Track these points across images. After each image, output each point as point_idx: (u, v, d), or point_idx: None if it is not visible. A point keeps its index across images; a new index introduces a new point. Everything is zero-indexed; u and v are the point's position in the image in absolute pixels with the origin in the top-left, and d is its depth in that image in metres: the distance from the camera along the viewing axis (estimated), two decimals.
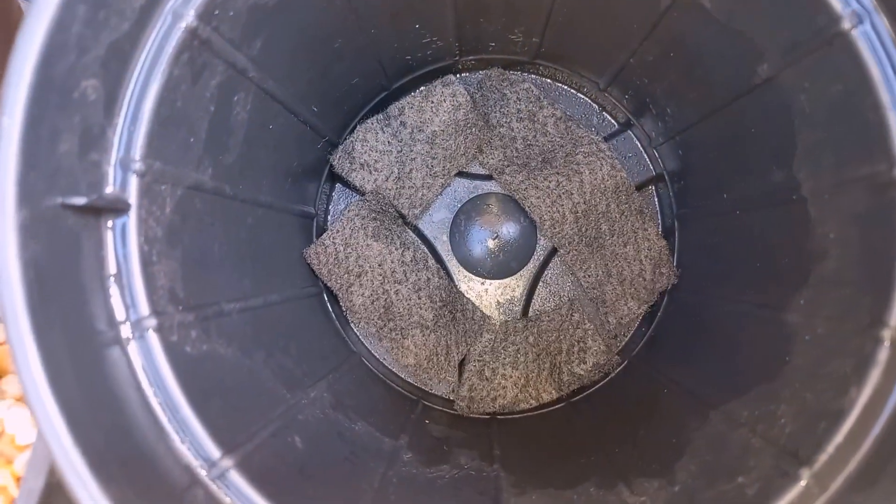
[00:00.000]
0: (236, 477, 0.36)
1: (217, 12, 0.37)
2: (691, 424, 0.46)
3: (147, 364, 0.35)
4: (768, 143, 0.44)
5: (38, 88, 0.30)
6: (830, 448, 0.35)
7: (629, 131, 0.63)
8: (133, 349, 0.35)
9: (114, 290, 0.35)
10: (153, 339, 0.36)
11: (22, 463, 0.48)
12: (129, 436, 0.34)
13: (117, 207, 0.35)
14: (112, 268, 0.35)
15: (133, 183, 0.35)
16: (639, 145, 0.63)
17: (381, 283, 0.61)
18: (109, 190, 0.35)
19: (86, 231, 0.34)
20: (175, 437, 0.35)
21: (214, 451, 0.36)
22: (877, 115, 0.35)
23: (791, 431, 0.38)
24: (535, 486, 0.47)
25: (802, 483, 0.35)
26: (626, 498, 0.43)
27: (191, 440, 0.35)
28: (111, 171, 0.35)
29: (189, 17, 0.36)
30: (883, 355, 0.34)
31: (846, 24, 0.34)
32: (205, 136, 0.41)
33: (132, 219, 0.36)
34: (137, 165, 0.35)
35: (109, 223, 0.35)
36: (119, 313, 0.35)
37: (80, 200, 0.32)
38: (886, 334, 0.34)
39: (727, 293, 0.51)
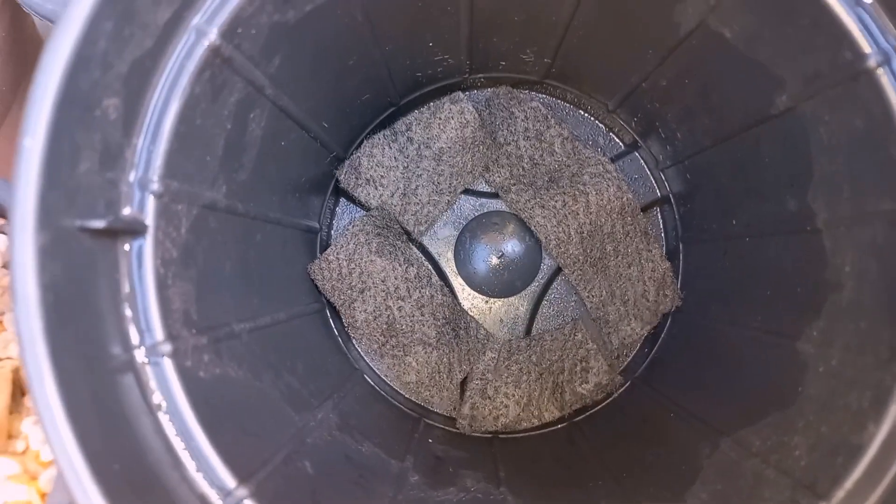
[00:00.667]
0: None
1: (240, 30, 0.36)
2: (702, 451, 0.46)
3: (162, 390, 0.34)
4: (783, 171, 0.44)
5: (62, 105, 0.29)
6: (849, 484, 0.35)
7: (636, 153, 0.63)
8: (148, 375, 0.34)
9: (129, 315, 0.34)
10: (168, 364, 0.35)
11: (46, 479, 0.47)
12: (143, 464, 0.33)
13: (134, 229, 0.34)
14: (127, 291, 0.34)
15: (150, 203, 0.35)
16: (645, 167, 0.63)
17: (384, 300, 0.60)
18: (127, 211, 0.34)
19: (102, 253, 0.33)
20: (190, 466, 0.34)
21: (230, 481, 0.35)
22: None
23: (807, 464, 0.38)
24: None
25: None
26: None
27: (205, 469, 0.35)
28: (129, 192, 0.34)
29: (212, 35, 0.35)
30: None
31: (872, 63, 0.35)
32: (221, 153, 0.40)
33: (149, 241, 0.35)
34: (155, 186, 0.35)
35: (126, 246, 0.34)
36: (134, 338, 0.34)
37: (98, 223, 0.31)
38: None
39: (735, 318, 0.51)
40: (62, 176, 0.30)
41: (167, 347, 0.35)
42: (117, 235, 0.34)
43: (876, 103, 0.35)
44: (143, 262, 0.34)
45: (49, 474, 0.47)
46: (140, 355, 0.34)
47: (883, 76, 0.35)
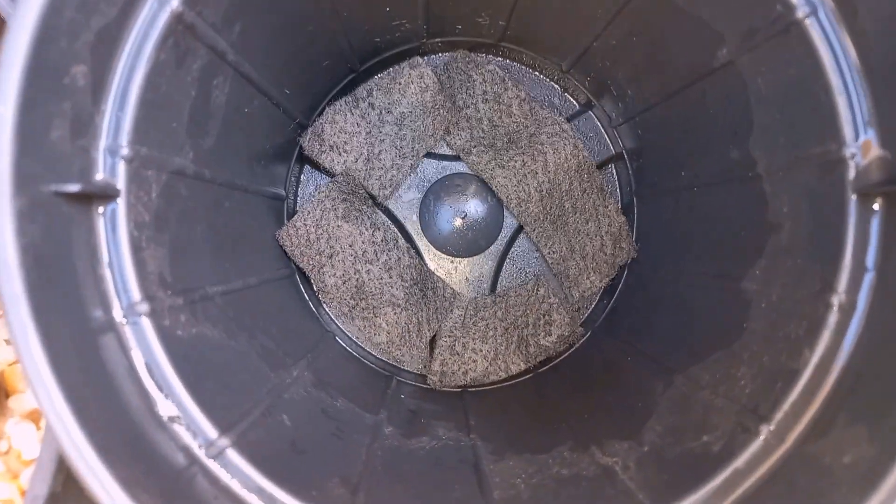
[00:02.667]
0: (234, 455, 0.37)
1: None
2: (656, 389, 0.49)
3: (142, 348, 0.36)
4: (726, 123, 0.47)
5: (32, 73, 0.30)
6: (786, 405, 0.38)
7: (590, 112, 0.66)
8: (127, 334, 0.35)
9: (106, 276, 0.35)
10: (146, 323, 0.36)
11: (27, 477, 0.48)
12: (128, 418, 0.34)
13: (107, 194, 0.35)
14: (104, 253, 0.35)
15: (121, 169, 0.36)
16: (599, 125, 0.66)
17: (353, 264, 0.62)
18: (99, 177, 0.35)
19: (78, 217, 0.34)
20: (172, 419, 0.36)
21: (211, 431, 0.37)
22: (827, 98, 0.38)
23: (751, 391, 0.41)
24: (512, 452, 0.49)
25: (762, 438, 0.38)
26: (598, 459, 0.46)
27: (188, 421, 0.36)
28: (100, 158, 0.35)
29: (175, 2, 0.36)
30: (832, 318, 0.38)
31: (800, 14, 0.37)
32: (186, 119, 0.41)
33: (121, 205, 0.36)
34: (125, 151, 0.36)
35: (100, 209, 0.35)
36: (112, 299, 0.35)
37: (73, 187, 0.33)
38: (835, 300, 0.38)
39: (686, 266, 0.54)
40: (35, 142, 0.31)
41: (144, 307, 0.36)
42: (91, 200, 0.35)
43: (805, 53, 0.38)
44: (116, 225, 0.35)
45: (30, 472, 0.47)
46: (119, 315, 0.35)
47: (811, 26, 0.37)
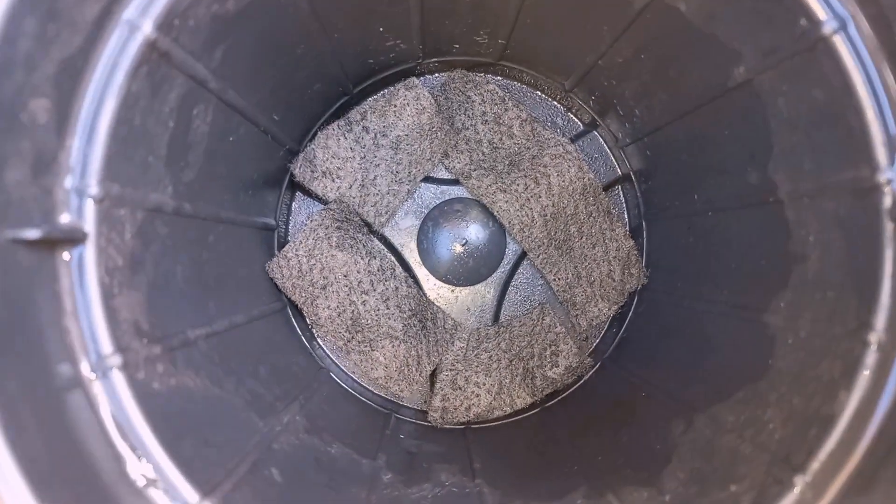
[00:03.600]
0: None
1: (177, 22, 0.34)
2: (675, 429, 0.45)
3: (113, 406, 0.32)
4: (743, 145, 0.44)
5: None
6: (823, 455, 0.35)
7: (595, 132, 0.63)
8: (97, 390, 0.32)
9: (73, 328, 0.32)
10: (118, 378, 0.33)
11: None
12: (98, 486, 0.31)
13: (73, 237, 0.32)
14: (69, 304, 0.32)
15: (90, 209, 0.33)
16: (605, 146, 0.63)
17: (348, 295, 0.59)
18: (65, 219, 0.32)
19: (39, 265, 0.31)
20: (147, 485, 0.32)
21: (192, 496, 0.33)
22: (859, 121, 0.35)
23: (781, 437, 0.38)
24: (521, 499, 0.46)
25: (797, 490, 0.35)
26: None
27: (165, 486, 0.33)
28: (66, 199, 0.32)
29: (147, 29, 0.33)
30: (871, 359, 0.34)
31: (828, 29, 0.34)
32: (164, 152, 0.38)
33: (90, 249, 0.33)
34: (94, 190, 0.32)
35: (65, 255, 0.32)
36: (80, 353, 0.32)
37: (33, 234, 0.29)
38: (873, 338, 0.34)
39: (702, 293, 0.51)
40: None
41: (116, 360, 0.33)
42: (55, 245, 0.31)
43: (834, 72, 0.35)
44: (84, 271, 0.32)
45: None
46: (87, 370, 0.32)
47: (840, 43, 0.34)
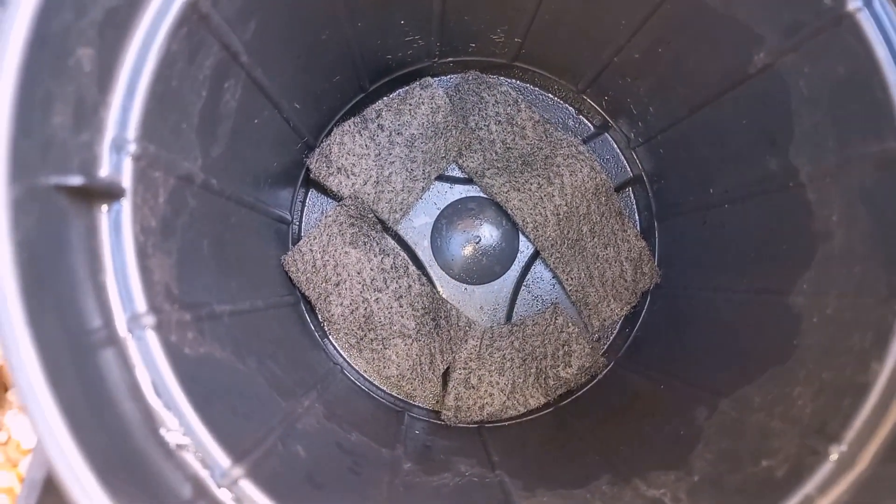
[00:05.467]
0: (248, 486, 0.33)
1: None
2: (699, 415, 0.45)
3: (147, 365, 0.32)
4: (763, 132, 0.45)
5: (33, 46, 0.26)
6: (858, 423, 0.35)
7: (606, 134, 0.64)
8: (131, 348, 0.31)
9: (109, 283, 0.31)
10: (152, 338, 0.32)
11: (26, 465, 0.48)
12: (130, 443, 0.30)
13: (111, 192, 0.32)
14: (107, 258, 0.31)
15: (127, 166, 0.32)
16: (616, 147, 0.64)
17: (361, 292, 0.59)
18: (104, 172, 0.31)
19: (78, 215, 0.30)
20: (180, 445, 0.31)
21: (224, 460, 0.33)
22: (885, 94, 0.35)
23: (812, 411, 0.37)
24: (544, 489, 0.45)
25: (833, 458, 0.35)
26: (643, 492, 0.42)
27: (198, 447, 0.32)
28: (105, 153, 0.32)
29: None
30: None
31: (852, 6, 0.35)
32: (197, 121, 0.38)
33: (127, 206, 0.32)
34: (132, 147, 0.32)
35: (104, 208, 0.31)
36: (115, 308, 0.31)
37: (75, 180, 0.29)
38: None
39: (719, 284, 0.51)
40: (35, 125, 0.27)
41: (150, 319, 0.32)
42: (94, 197, 0.31)
43: (858, 47, 0.36)
44: (121, 227, 0.32)
45: (28, 460, 0.48)
46: (122, 327, 0.31)
47: (865, 19, 0.35)
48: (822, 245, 0.41)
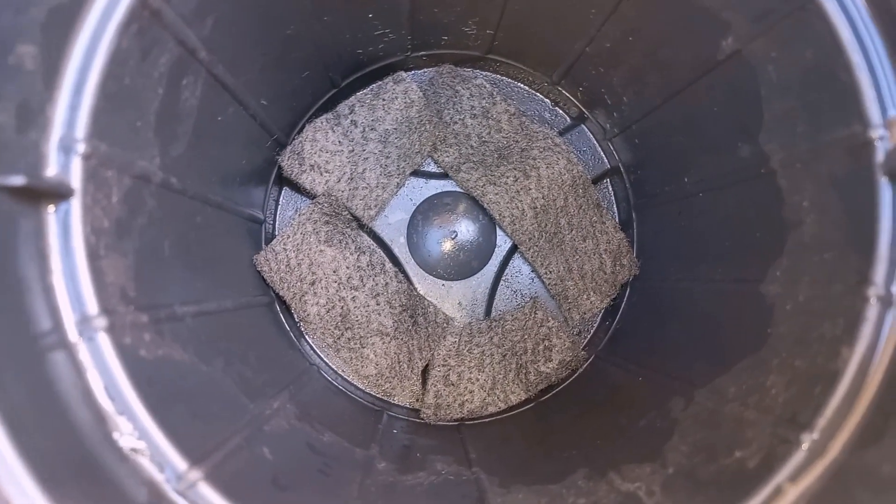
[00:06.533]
0: (206, 490, 0.32)
1: None
2: (675, 406, 0.45)
3: (99, 368, 0.31)
4: (734, 119, 0.44)
5: None
6: (828, 411, 0.34)
7: (582, 125, 0.63)
8: (82, 352, 0.31)
9: (58, 285, 0.31)
10: (104, 340, 0.32)
11: None
12: (80, 448, 0.29)
13: (59, 192, 0.31)
14: (55, 260, 0.31)
15: (76, 165, 0.32)
16: (592, 139, 0.63)
17: (337, 291, 0.58)
18: (51, 172, 0.31)
19: (24, 217, 0.30)
20: (135, 449, 0.31)
21: (181, 463, 0.32)
22: (849, 77, 0.35)
23: (785, 399, 0.37)
24: (520, 485, 0.44)
25: (804, 447, 0.34)
26: (618, 486, 0.41)
27: (153, 451, 0.31)
28: (52, 152, 0.31)
29: None
30: (872, 312, 0.34)
31: None
32: (153, 120, 0.37)
33: (76, 206, 0.32)
34: (81, 146, 0.32)
35: (51, 209, 0.31)
36: (64, 311, 0.31)
37: (18, 180, 0.28)
38: (872, 292, 0.34)
39: (696, 274, 0.51)
40: None
41: (102, 322, 0.31)
42: (40, 197, 0.30)
43: (824, 30, 0.35)
44: (70, 228, 0.31)
45: None
46: (72, 330, 0.30)
47: (827, 2, 0.35)
48: (794, 232, 0.40)
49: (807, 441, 0.34)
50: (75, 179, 0.31)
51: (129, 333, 0.33)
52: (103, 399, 0.31)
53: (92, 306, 0.31)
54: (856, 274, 0.35)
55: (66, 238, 0.31)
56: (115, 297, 0.33)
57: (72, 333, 0.31)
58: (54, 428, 0.28)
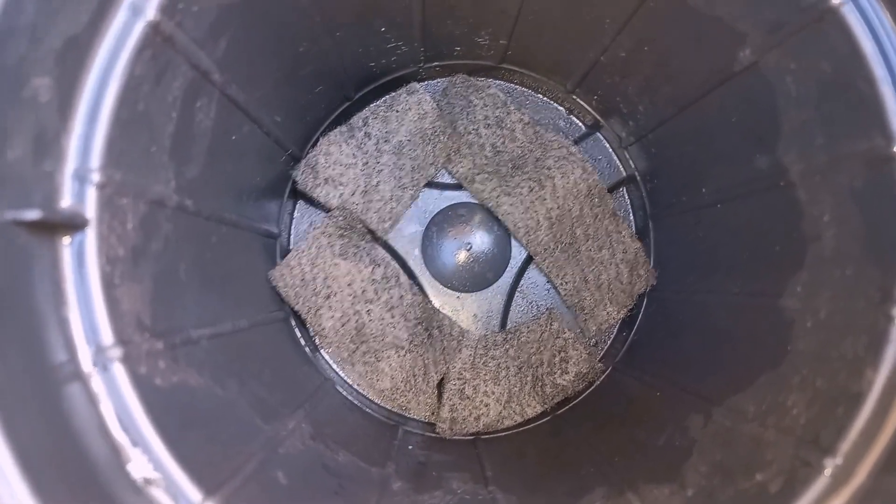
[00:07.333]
0: None
1: (181, 6, 0.34)
2: (694, 424, 0.44)
3: (113, 399, 0.31)
4: (750, 130, 0.44)
5: None
6: (853, 434, 0.34)
7: (598, 133, 0.62)
8: (96, 383, 0.31)
9: (73, 317, 0.31)
10: (119, 371, 0.32)
11: None
12: (96, 482, 0.29)
13: (74, 223, 0.31)
14: (69, 292, 0.31)
15: (91, 195, 0.32)
16: (608, 147, 0.63)
17: (352, 304, 0.58)
18: (65, 203, 0.31)
19: (39, 249, 0.30)
20: (148, 482, 0.31)
21: (195, 494, 0.32)
22: (871, 90, 0.34)
23: (807, 420, 0.36)
24: (537, 503, 0.44)
25: (828, 472, 0.33)
26: None
27: (168, 483, 0.31)
28: (67, 182, 0.31)
29: (151, 10, 0.32)
30: None
31: (836, 0, 0.34)
32: (168, 144, 0.37)
33: (91, 236, 0.32)
34: (96, 176, 0.32)
35: (66, 240, 0.31)
36: (79, 343, 0.31)
37: (32, 214, 0.28)
38: None
39: (713, 286, 0.50)
40: None
41: (117, 352, 0.31)
42: (56, 230, 0.30)
43: (842, 42, 0.35)
44: (84, 258, 0.31)
45: None
46: (87, 362, 0.31)
47: (848, 13, 0.34)
48: (814, 245, 0.40)
49: (830, 466, 0.33)
50: (90, 209, 0.32)
51: (145, 362, 0.33)
52: (117, 432, 0.31)
53: (107, 337, 0.31)
54: (878, 291, 0.35)
55: (80, 269, 0.31)
56: (130, 325, 0.33)
57: (86, 365, 0.31)
58: (68, 462, 0.28)
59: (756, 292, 0.45)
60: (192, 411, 0.35)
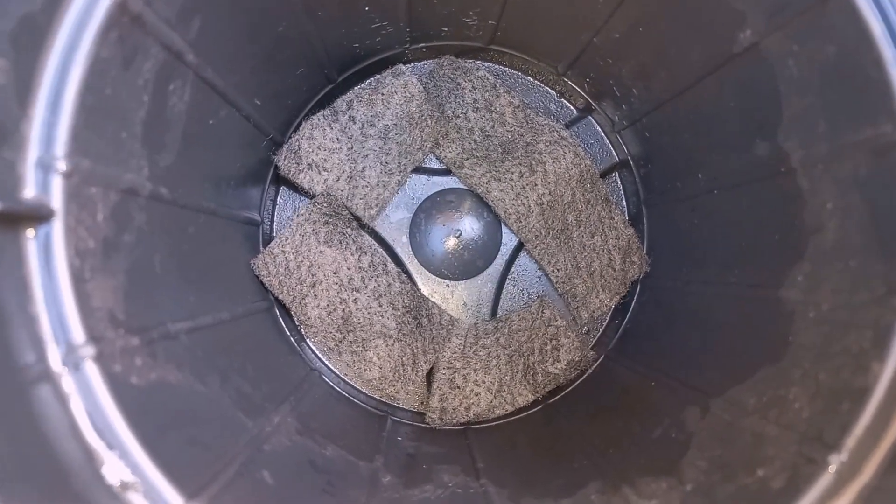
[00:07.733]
0: None
1: None
2: (691, 416, 0.43)
3: (86, 401, 0.29)
4: (750, 115, 0.42)
5: None
6: (858, 430, 0.32)
7: (590, 117, 0.61)
8: (67, 383, 0.29)
9: (41, 314, 0.29)
10: (91, 370, 0.30)
11: None
12: (71, 485, 0.28)
13: (39, 214, 0.29)
14: (37, 287, 0.29)
15: (56, 185, 0.30)
16: (600, 131, 0.61)
17: (338, 293, 0.56)
18: (29, 194, 0.29)
19: (2, 243, 0.28)
20: (126, 488, 0.29)
21: (175, 498, 0.30)
22: (879, 74, 0.33)
23: (810, 415, 0.35)
24: (530, 498, 0.43)
25: (832, 469, 0.32)
26: (633, 502, 0.40)
27: (145, 488, 0.30)
28: (29, 172, 0.29)
29: None
30: None
31: None
32: (140, 130, 0.35)
33: (57, 227, 0.30)
34: (61, 164, 0.30)
35: (30, 233, 0.29)
36: (48, 341, 0.29)
37: None
38: None
39: (710, 276, 0.49)
40: None
41: (89, 350, 0.30)
42: (19, 222, 0.28)
43: (849, 25, 0.33)
44: (51, 251, 0.29)
45: None
46: (56, 361, 0.29)
47: None
48: (816, 236, 0.38)
49: (835, 463, 0.32)
50: (56, 200, 0.29)
51: (119, 360, 0.32)
52: (90, 434, 0.29)
53: (78, 334, 0.30)
54: (883, 283, 0.33)
55: (47, 263, 0.29)
56: (102, 322, 0.31)
57: (56, 365, 0.29)
58: (39, 468, 0.27)
59: (755, 283, 0.43)
60: (171, 410, 0.34)
